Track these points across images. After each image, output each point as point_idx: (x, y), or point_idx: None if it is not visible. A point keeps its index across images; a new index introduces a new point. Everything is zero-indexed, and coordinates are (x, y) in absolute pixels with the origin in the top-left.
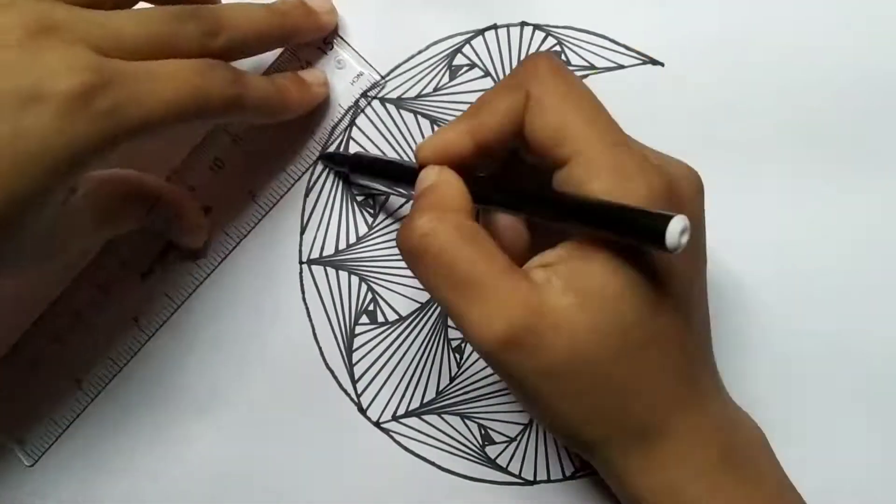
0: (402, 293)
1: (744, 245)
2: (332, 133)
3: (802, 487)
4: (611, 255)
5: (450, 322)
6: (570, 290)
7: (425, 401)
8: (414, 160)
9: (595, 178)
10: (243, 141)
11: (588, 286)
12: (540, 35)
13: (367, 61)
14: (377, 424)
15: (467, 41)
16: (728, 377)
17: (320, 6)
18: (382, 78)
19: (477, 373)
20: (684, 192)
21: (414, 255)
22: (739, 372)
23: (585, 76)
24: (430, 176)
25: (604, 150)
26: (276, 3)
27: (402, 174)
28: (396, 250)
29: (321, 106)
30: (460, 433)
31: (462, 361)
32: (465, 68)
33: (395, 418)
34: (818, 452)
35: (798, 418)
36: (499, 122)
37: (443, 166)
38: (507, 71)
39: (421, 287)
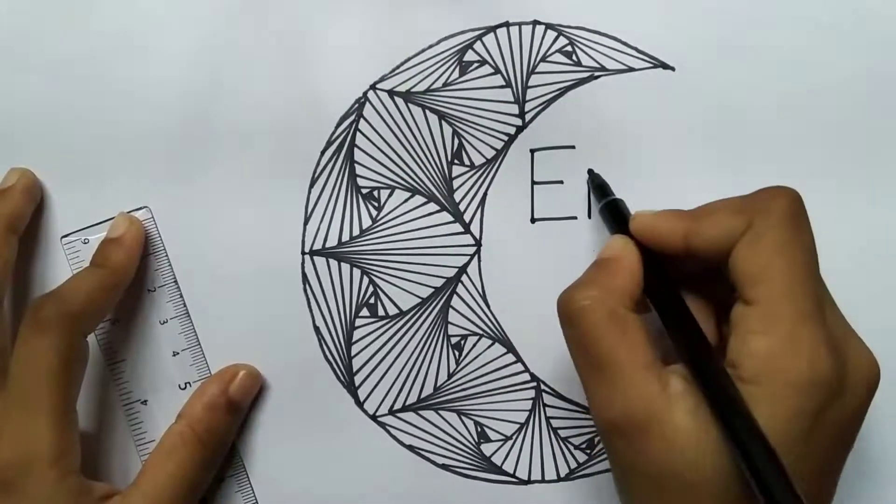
0: (403, 287)
1: None
2: (339, 124)
3: None
4: None
5: (450, 318)
6: (695, 417)
7: (422, 396)
8: None
9: (764, 335)
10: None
11: (709, 426)
12: (552, 35)
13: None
14: (374, 418)
15: (479, 38)
16: None
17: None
18: (390, 71)
19: (475, 370)
20: (851, 382)
21: (566, 320)
22: None
23: (595, 77)
24: (615, 246)
25: (790, 316)
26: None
27: (616, 219)
28: (400, 244)
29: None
30: (456, 430)
31: (461, 358)
32: (476, 65)
33: (391, 412)
34: None
35: None
36: (714, 238)
37: (629, 242)
38: (518, 69)
39: (422, 282)
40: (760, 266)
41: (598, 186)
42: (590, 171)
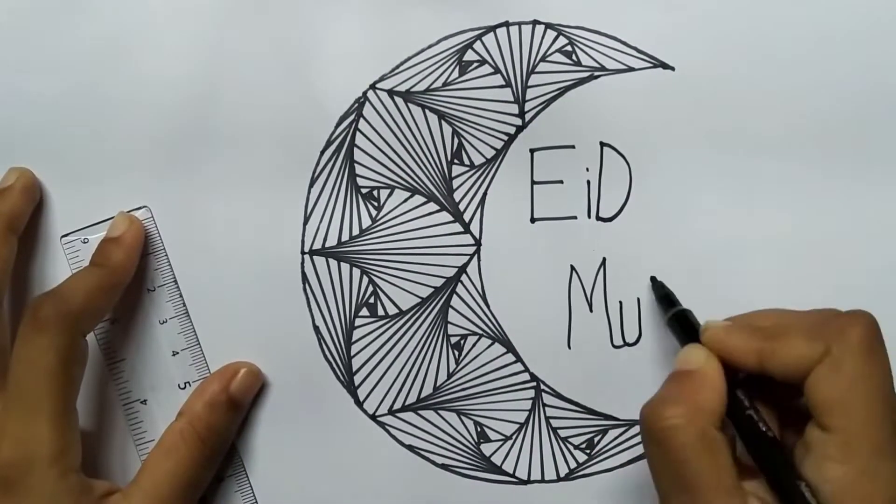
0: (403, 287)
1: (750, 247)
2: (338, 124)
3: None
4: None
5: (450, 318)
6: None
7: (422, 396)
8: None
9: (842, 465)
10: None
11: None
12: (552, 34)
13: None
14: (373, 417)
15: (478, 37)
16: None
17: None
18: (390, 71)
19: (475, 370)
20: None
21: (652, 437)
22: None
23: (595, 77)
24: (697, 358)
25: (869, 448)
26: None
27: (685, 329)
28: (399, 244)
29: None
30: (456, 430)
31: (460, 358)
32: (476, 64)
33: (391, 412)
34: None
35: None
36: (790, 362)
37: (710, 356)
38: (518, 69)
39: (422, 282)
40: (839, 395)
41: (664, 297)
42: (653, 280)
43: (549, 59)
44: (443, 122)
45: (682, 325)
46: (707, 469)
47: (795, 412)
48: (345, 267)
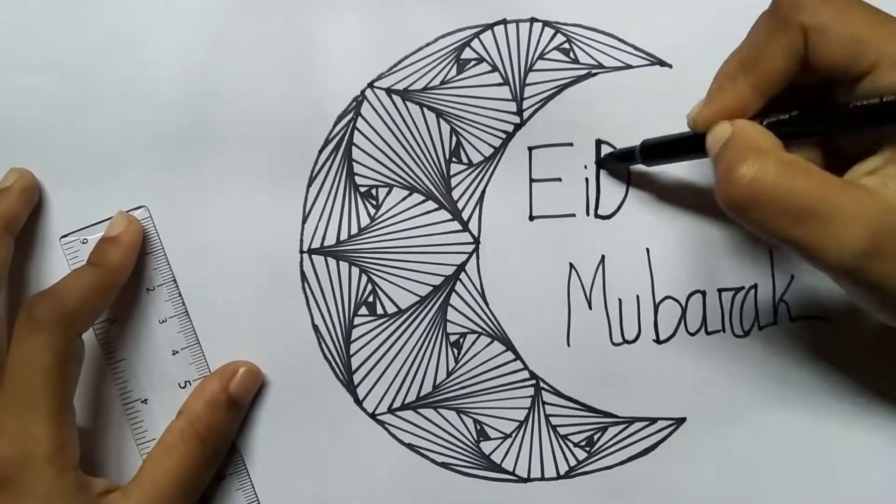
0: (402, 286)
1: (748, 245)
2: (337, 123)
3: None
4: None
5: (449, 316)
6: None
7: (422, 394)
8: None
9: None
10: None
11: None
12: (549, 32)
13: None
14: (373, 416)
15: (476, 35)
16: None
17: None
18: (388, 69)
19: (474, 368)
20: None
21: (745, 205)
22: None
23: (593, 75)
24: (725, 130)
25: None
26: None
27: (689, 146)
28: (398, 242)
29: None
30: (455, 428)
31: (460, 356)
32: (473, 62)
33: (390, 411)
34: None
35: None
36: (782, 67)
37: (733, 120)
38: (515, 67)
39: (421, 280)
40: (849, 42)
41: (621, 156)
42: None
43: (546, 56)
44: (441, 120)
45: (659, 150)
46: (811, 183)
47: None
48: (343, 266)
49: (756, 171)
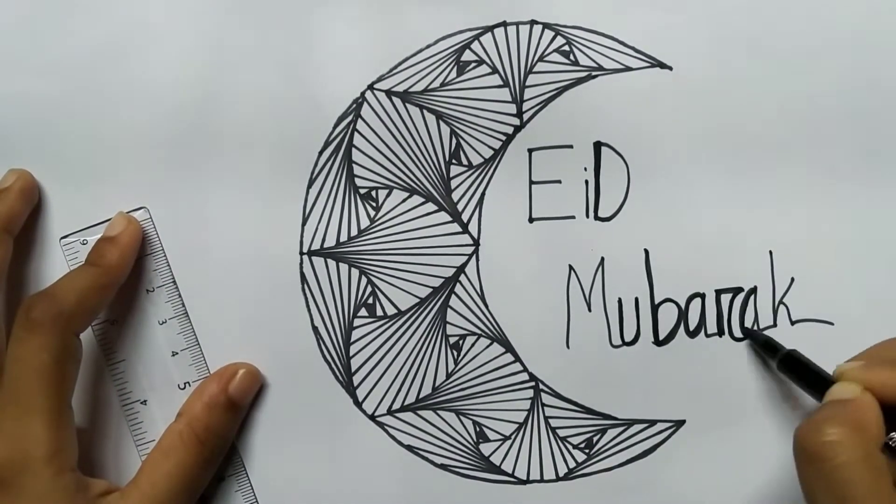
0: (401, 287)
1: (747, 247)
2: (336, 124)
3: None
4: None
5: (448, 318)
6: None
7: (421, 396)
8: None
9: None
10: None
11: None
12: (549, 34)
13: None
14: (372, 418)
15: (476, 37)
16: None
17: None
18: (388, 71)
19: (474, 370)
20: None
21: (809, 455)
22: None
23: (593, 77)
24: (850, 390)
25: None
26: None
27: (816, 383)
28: (398, 244)
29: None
30: (455, 430)
31: (459, 358)
32: (473, 64)
33: (390, 412)
34: None
35: None
36: None
37: (866, 391)
38: (515, 69)
39: (420, 282)
40: None
41: (765, 343)
42: (749, 333)
43: (546, 58)
44: (441, 122)
45: (795, 366)
46: (874, 489)
47: None
48: (343, 267)
49: (841, 440)
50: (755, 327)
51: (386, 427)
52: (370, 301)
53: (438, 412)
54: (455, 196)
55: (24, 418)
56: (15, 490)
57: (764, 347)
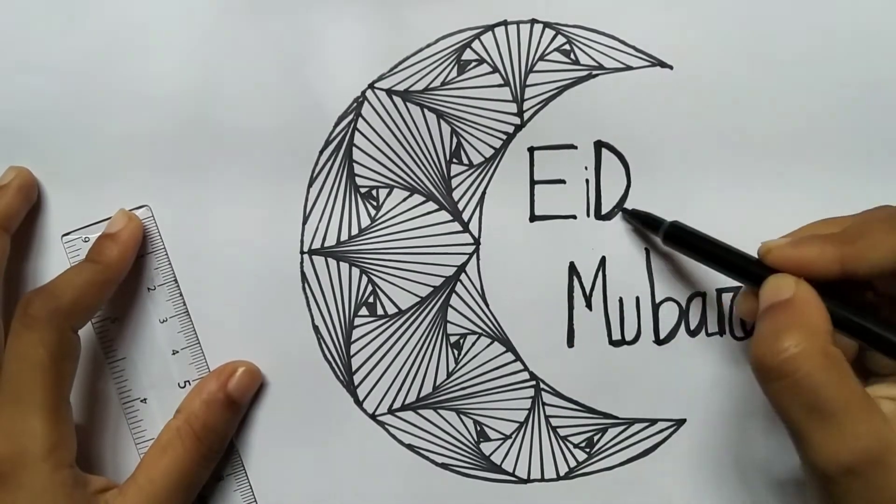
0: (402, 286)
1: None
2: (337, 123)
3: None
4: None
5: (449, 317)
6: None
7: (422, 395)
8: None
9: None
10: None
11: None
12: (550, 33)
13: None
14: (373, 417)
15: (477, 36)
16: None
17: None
18: (388, 70)
19: (474, 369)
20: None
21: (771, 375)
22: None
23: (593, 76)
24: (787, 287)
25: None
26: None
27: (730, 261)
28: (399, 243)
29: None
30: (455, 429)
31: (460, 357)
32: (474, 63)
33: (390, 411)
34: None
35: None
36: (880, 259)
37: (799, 279)
38: (516, 68)
39: (421, 281)
40: None
41: (647, 218)
42: (624, 210)
43: (547, 57)
44: (441, 121)
45: (683, 237)
46: (840, 387)
47: None
48: (344, 266)
49: (799, 352)
50: None
51: (386, 426)
52: (371, 300)
53: (439, 411)
54: (456, 195)
55: (21, 414)
56: (13, 485)
57: (646, 224)
